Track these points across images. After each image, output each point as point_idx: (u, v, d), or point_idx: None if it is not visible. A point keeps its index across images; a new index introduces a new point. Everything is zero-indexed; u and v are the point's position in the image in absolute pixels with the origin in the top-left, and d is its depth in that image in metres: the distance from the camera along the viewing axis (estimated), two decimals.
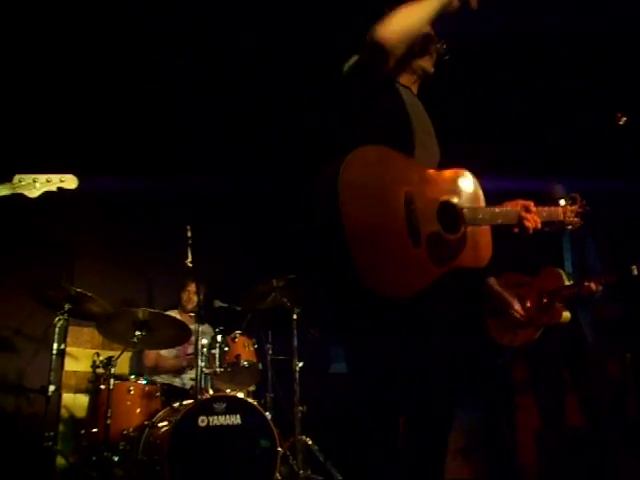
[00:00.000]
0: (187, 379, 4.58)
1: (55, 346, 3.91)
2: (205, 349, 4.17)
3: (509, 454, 4.48)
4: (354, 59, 2.15)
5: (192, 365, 4.27)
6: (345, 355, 2.11)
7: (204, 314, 4.19)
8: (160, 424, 3.78)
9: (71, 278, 5.01)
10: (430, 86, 2.34)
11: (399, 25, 1.99)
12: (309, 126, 3.73)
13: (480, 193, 2.17)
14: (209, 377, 4.17)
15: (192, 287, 4.86)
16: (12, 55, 4.33)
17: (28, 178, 2.48)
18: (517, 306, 3.66)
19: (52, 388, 3.80)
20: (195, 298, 4.72)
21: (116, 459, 3.72)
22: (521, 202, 2.25)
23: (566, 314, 3.54)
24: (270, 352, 4.59)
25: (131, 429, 3.87)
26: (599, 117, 3.46)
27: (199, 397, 3.79)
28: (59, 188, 2.53)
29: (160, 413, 3.89)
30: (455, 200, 2.07)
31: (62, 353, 4.65)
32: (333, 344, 5.20)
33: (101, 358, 4.07)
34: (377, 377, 1.99)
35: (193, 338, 4.14)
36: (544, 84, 4.68)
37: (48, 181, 2.50)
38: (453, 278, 2.03)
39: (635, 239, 4.38)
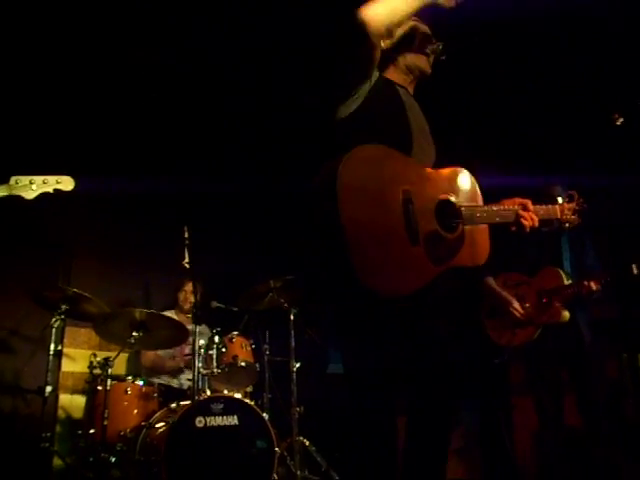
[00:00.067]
0: (184, 380, 4.57)
1: (52, 347, 3.90)
2: (202, 350, 4.17)
3: (507, 455, 4.48)
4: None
5: (189, 366, 4.26)
6: (341, 355, 2.11)
7: (201, 315, 4.18)
8: (157, 425, 3.78)
9: (68, 278, 5.00)
10: (426, 85, 2.34)
11: (382, 7, 2.03)
12: (307, 125, 3.72)
13: (478, 191, 2.19)
14: (206, 378, 4.16)
15: (189, 287, 4.86)
16: (9, 56, 4.32)
17: (24, 179, 2.48)
18: (516, 305, 3.66)
19: (49, 389, 3.79)
20: (192, 298, 4.72)
21: (113, 460, 3.72)
22: (518, 200, 2.26)
23: (565, 313, 3.55)
24: (267, 353, 4.59)
25: (128, 430, 3.86)
26: (596, 116, 3.47)
27: (196, 398, 3.79)
28: (56, 189, 2.53)
29: (157, 414, 3.89)
30: (453, 199, 2.07)
31: (59, 354, 4.64)
32: (330, 345, 5.19)
33: (98, 359, 4.06)
34: (373, 377, 2.00)
35: (190, 339, 4.13)
36: (542, 82, 4.69)
37: (45, 182, 2.50)
38: (450, 277, 2.04)
39: (635, 238, 4.38)
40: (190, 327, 4.14)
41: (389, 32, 2.14)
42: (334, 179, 1.82)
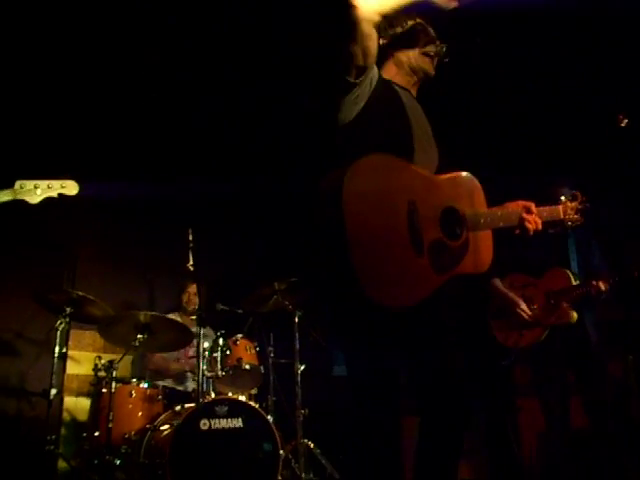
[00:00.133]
0: (189, 383, 4.57)
1: (57, 349, 3.90)
2: (207, 352, 4.17)
3: (513, 455, 4.47)
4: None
5: (194, 369, 4.26)
6: (345, 359, 2.11)
7: (206, 317, 4.18)
8: (162, 427, 3.78)
9: (73, 281, 5.02)
10: (429, 87, 2.34)
11: None
12: (311, 128, 3.73)
13: (482, 196, 2.17)
14: (211, 380, 4.16)
15: (192, 288, 4.87)
16: (13, 61, 4.34)
17: (29, 184, 2.49)
18: (524, 306, 3.65)
19: (54, 391, 3.80)
20: (196, 299, 4.74)
21: (118, 462, 3.72)
22: (522, 203, 2.25)
23: (574, 314, 3.54)
24: (272, 355, 4.59)
25: (133, 432, 3.86)
26: (601, 119, 3.46)
27: (201, 400, 3.79)
28: (60, 194, 2.54)
29: (162, 416, 3.89)
30: (458, 205, 2.06)
31: (64, 356, 4.65)
32: (335, 347, 5.19)
33: (103, 361, 4.07)
34: (376, 379, 2.00)
35: (195, 341, 4.13)
36: (546, 84, 4.68)
37: (49, 187, 2.52)
38: (454, 285, 2.03)
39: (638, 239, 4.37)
40: (194, 329, 4.14)
41: (389, 24, 2.14)
42: (340, 190, 1.81)
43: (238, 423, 3.70)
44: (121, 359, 4.02)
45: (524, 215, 2.22)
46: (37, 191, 2.49)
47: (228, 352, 4.24)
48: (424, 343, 2.03)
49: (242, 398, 3.95)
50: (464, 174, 2.16)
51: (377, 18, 2.05)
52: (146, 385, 4.14)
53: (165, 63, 4.62)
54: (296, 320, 4.36)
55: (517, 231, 2.23)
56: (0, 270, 4.68)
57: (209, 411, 3.66)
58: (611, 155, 4.37)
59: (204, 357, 4.08)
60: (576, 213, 2.54)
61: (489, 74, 4.60)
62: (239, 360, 4.22)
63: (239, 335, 4.40)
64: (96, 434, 3.85)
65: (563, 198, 2.58)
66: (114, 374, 3.93)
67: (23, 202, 2.49)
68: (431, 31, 2.31)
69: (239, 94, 4.98)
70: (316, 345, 4.57)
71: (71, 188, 2.57)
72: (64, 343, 4.27)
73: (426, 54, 2.29)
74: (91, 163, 4.68)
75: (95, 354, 4.37)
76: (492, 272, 3.70)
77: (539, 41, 4.33)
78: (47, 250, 4.98)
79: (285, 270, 4.35)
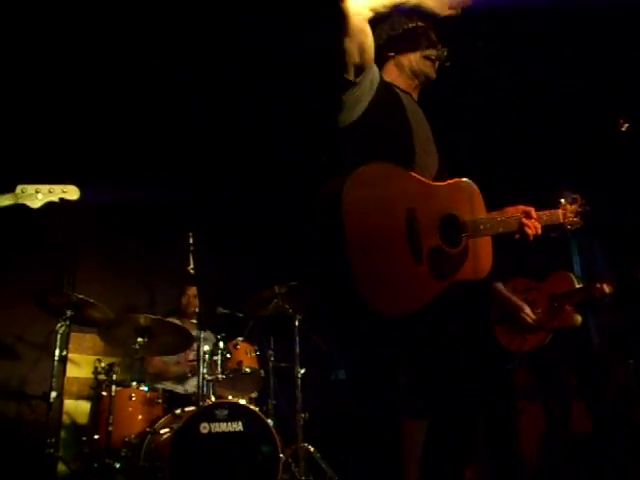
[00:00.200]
0: (189, 385, 4.57)
1: (57, 352, 3.90)
2: (207, 356, 4.16)
3: (515, 458, 4.46)
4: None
5: (194, 372, 4.26)
6: (346, 364, 2.12)
7: (206, 321, 4.18)
8: (162, 431, 3.77)
9: (73, 284, 5.03)
10: (430, 91, 2.34)
11: None
12: (311, 132, 3.73)
13: (481, 202, 2.17)
14: (211, 384, 4.15)
15: (191, 291, 4.88)
16: (15, 66, 4.35)
17: (30, 189, 2.51)
18: (528, 310, 3.65)
19: (54, 394, 3.80)
20: (195, 301, 4.74)
21: (118, 466, 3.71)
22: (522, 208, 2.24)
23: (578, 317, 3.54)
24: (272, 359, 4.58)
25: (133, 436, 3.85)
26: (602, 123, 3.46)
27: (201, 404, 3.79)
28: (61, 198, 2.55)
29: (162, 420, 3.88)
30: (457, 212, 2.06)
31: (64, 359, 4.66)
32: (336, 351, 5.19)
33: (103, 364, 4.07)
34: (376, 386, 2.00)
35: (195, 345, 4.13)
36: (547, 88, 4.68)
37: (50, 192, 2.53)
38: (455, 290, 2.03)
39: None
40: (194, 333, 4.14)
41: (391, 26, 2.16)
42: (339, 200, 1.81)
43: (238, 427, 3.69)
44: (121, 362, 4.02)
45: (524, 220, 2.21)
46: (38, 196, 2.50)
47: (228, 355, 4.24)
48: (425, 347, 2.03)
49: (242, 402, 3.95)
50: (463, 180, 2.15)
51: (369, 13, 2.05)
52: (146, 388, 4.13)
53: (165, 67, 4.62)
54: (296, 324, 4.36)
55: (517, 236, 2.23)
56: (1, 273, 4.69)
57: (209, 415, 3.65)
58: (612, 159, 4.37)
59: (204, 360, 4.08)
60: (576, 216, 2.53)
61: (490, 78, 4.60)
62: (239, 364, 4.22)
63: (239, 338, 4.39)
64: (96, 437, 3.85)
65: (562, 201, 2.57)
66: (114, 377, 3.93)
67: (24, 206, 2.50)
68: (433, 34, 2.31)
69: (239, 97, 4.99)
70: (316, 349, 4.57)
71: (72, 193, 2.58)
72: (64, 346, 4.28)
73: (427, 57, 2.29)
74: (92, 168, 4.69)
75: (95, 357, 4.37)
76: (493, 278, 3.71)
77: (540, 45, 4.34)
78: (47, 253, 5.00)
79: (285, 273, 4.35)
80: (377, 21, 2.15)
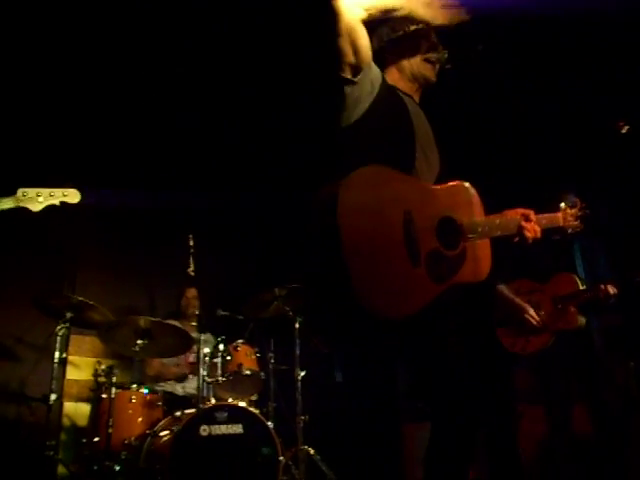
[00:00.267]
0: (189, 388, 4.57)
1: (57, 354, 3.89)
2: (207, 358, 4.16)
3: (514, 456, 4.45)
4: None
5: (194, 373, 4.26)
6: (344, 366, 2.12)
7: (206, 323, 4.18)
8: (162, 433, 3.77)
9: (73, 287, 5.03)
10: (431, 93, 2.34)
11: None
12: (312, 131, 3.74)
13: (480, 205, 2.16)
14: (211, 386, 4.15)
15: (191, 292, 4.88)
16: (16, 70, 4.35)
17: (31, 192, 2.52)
18: (532, 312, 3.64)
19: (54, 397, 3.79)
20: (195, 302, 4.75)
21: (117, 468, 3.71)
22: (521, 211, 2.23)
23: (582, 319, 3.54)
24: (272, 361, 4.58)
25: (133, 438, 3.85)
26: (602, 125, 3.46)
27: (201, 406, 3.78)
28: (62, 202, 2.56)
29: (162, 422, 3.88)
30: (455, 215, 2.06)
31: (64, 362, 4.65)
32: (336, 353, 5.18)
33: (103, 367, 4.06)
34: (375, 388, 2.00)
35: (195, 347, 4.13)
36: (548, 90, 4.69)
37: (51, 195, 2.54)
38: (455, 291, 2.03)
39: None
40: (195, 335, 4.13)
41: (392, 28, 2.17)
42: (334, 204, 1.81)
43: (238, 429, 3.69)
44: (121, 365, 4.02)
45: (523, 223, 2.20)
46: (39, 199, 2.52)
47: (228, 358, 4.24)
48: (426, 349, 2.03)
49: (242, 404, 3.95)
50: (462, 183, 2.15)
51: (361, 13, 2.05)
52: (146, 391, 4.13)
53: (165, 70, 4.62)
54: (297, 326, 4.36)
55: (516, 239, 2.22)
56: (1, 276, 4.69)
57: (209, 417, 3.65)
58: (612, 161, 4.37)
59: (204, 363, 4.08)
60: (576, 220, 2.54)
61: (491, 80, 4.60)
62: (239, 366, 4.21)
63: (240, 341, 4.39)
64: (96, 440, 3.84)
65: (563, 205, 2.57)
66: (114, 379, 3.93)
67: (25, 210, 2.51)
68: (433, 37, 2.31)
69: (238, 99, 4.99)
70: (316, 351, 4.56)
71: (73, 196, 2.59)
72: (64, 348, 4.27)
73: (428, 60, 2.29)
74: (93, 171, 4.69)
75: (95, 359, 4.37)
76: (492, 280, 3.71)
77: (541, 47, 4.34)
78: (47, 255, 5.00)
79: (286, 276, 4.35)
80: (377, 23, 2.15)
